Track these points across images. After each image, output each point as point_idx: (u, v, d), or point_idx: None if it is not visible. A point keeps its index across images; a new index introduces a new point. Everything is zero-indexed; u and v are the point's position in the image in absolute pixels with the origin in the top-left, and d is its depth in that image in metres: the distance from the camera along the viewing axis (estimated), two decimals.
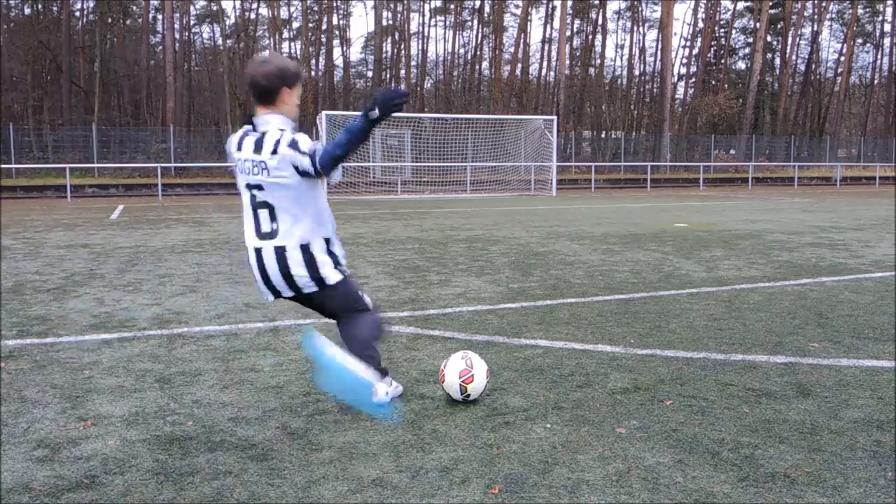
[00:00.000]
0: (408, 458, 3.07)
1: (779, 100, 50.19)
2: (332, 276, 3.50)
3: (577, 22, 53.42)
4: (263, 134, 3.33)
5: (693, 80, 52.63)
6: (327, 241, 3.50)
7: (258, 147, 3.32)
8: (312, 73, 43.92)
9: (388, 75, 49.59)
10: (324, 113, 23.67)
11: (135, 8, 45.86)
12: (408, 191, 27.28)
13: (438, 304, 6.24)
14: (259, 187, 3.35)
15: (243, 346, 4.88)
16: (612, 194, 27.00)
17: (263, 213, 3.39)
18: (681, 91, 54.22)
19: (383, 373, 3.61)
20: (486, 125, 29.44)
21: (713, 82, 53.51)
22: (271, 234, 3.38)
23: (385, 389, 3.18)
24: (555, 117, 27.47)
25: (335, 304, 3.62)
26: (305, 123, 37.96)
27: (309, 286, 3.46)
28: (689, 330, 5.27)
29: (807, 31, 53.70)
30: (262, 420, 3.52)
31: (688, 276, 7.60)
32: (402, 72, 48.84)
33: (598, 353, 4.66)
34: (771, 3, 47.18)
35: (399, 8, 47.74)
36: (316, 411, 3.63)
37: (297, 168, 3.26)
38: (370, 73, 51.68)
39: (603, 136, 48.51)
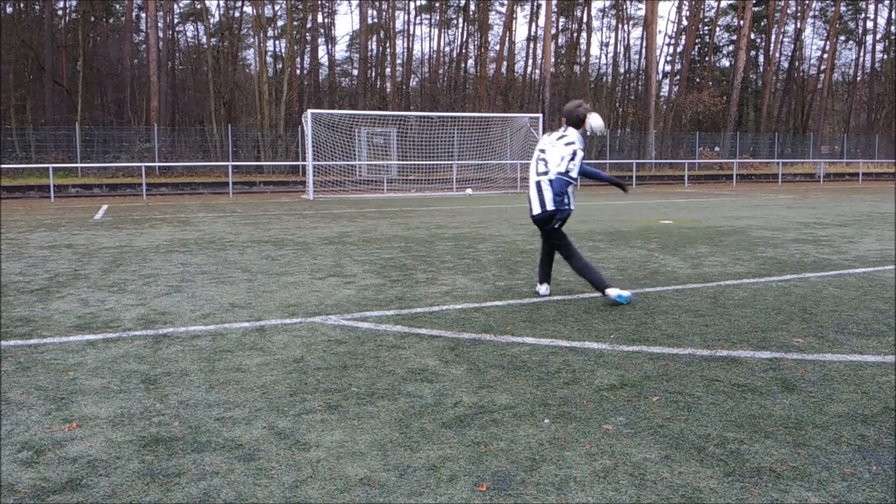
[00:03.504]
0: (395, 457, 3.07)
1: (763, 97, 50.50)
2: None
3: (562, 20, 53.60)
4: None
5: (678, 77, 52.87)
6: None
7: None
8: (297, 71, 43.78)
9: (373, 73, 49.54)
10: (309, 111, 23.60)
11: (118, 6, 45.57)
12: (394, 189, 27.26)
13: (425, 302, 6.24)
14: None
15: (229, 345, 4.86)
16: (597, 191, 27.08)
17: None
18: (665, 89, 54.49)
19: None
20: (471, 123, 29.45)
21: (697, 80, 53.81)
22: None
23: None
24: (540, 115, 27.50)
25: None
26: (291, 122, 37.88)
27: None
28: (674, 326, 5.29)
29: (790, 28, 54.12)
30: (249, 420, 3.51)
31: (673, 273, 7.63)
32: (388, 70, 48.80)
33: (584, 350, 4.67)
34: (754, 1, 47.44)
35: (384, 6, 47.68)
36: (303, 411, 3.62)
37: None
38: (356, 72, 51.61)
39: (588, 133, 48.59)
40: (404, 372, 4.25)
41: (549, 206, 6.14)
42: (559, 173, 6.10)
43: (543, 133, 6.17)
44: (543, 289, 6.53)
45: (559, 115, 6.07)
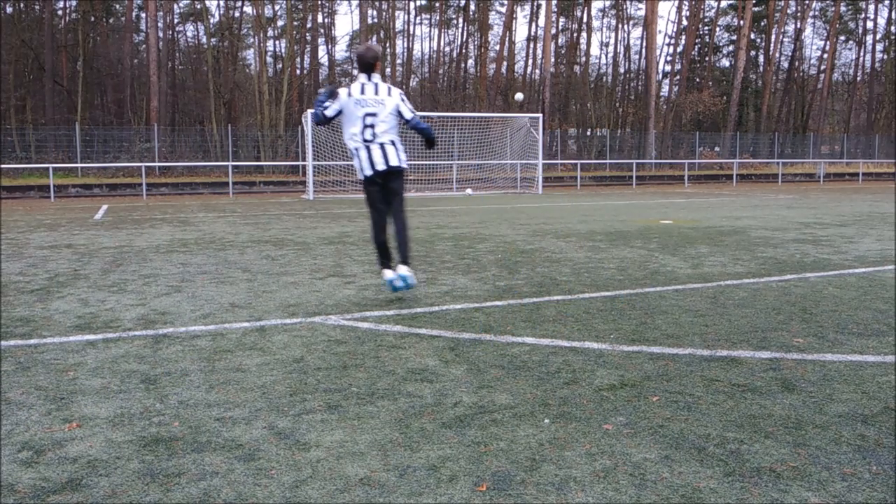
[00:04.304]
0: (395, 457, 3.07)
1: (763, 97, 50.50)
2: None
3: (562, 20, 53.57)
4: None
5: (678, 77, 52.87)
6: None
7: None
8: (297, 71, 43.77)
9: None
10: (309, 111, 23.58)
11: (118, 6, 45.57)
12: None
13: (425, 302, 6.24)
14: None
15: (229, 345, 4.86)
16: (597, 191, 27.08)
17: None
18: (665, 89, 54.48)
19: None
20: (471, 123, 29.45)
21: (697, 80, 53.81)
22: None
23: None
24: (540, 115, 27.52)
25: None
26: (291, 122, 37.87)
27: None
28: (674, 326, 5.29)
29: (790, 28, 54.11)
30: (249, 420, 3.51)
31: (673, 273, 7.63)
32: (388, 70, 48.78)
33: (584, 350, 4.67)
34: (754, 1, 47.45)
35: (384, 6, 47.68)
36: (303, 411, 3.62)
37: None
38: (355, 72, 51.57)
39: (588, 133, 48.67)
40: (404, 372, 4.24)
41: (395, 163, 6.08)
42: (413, 119, 6.08)
43: (371, 91, 6.04)
44: (391, 274, 6.24)
45: (358, 64, 6.14)
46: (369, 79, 6.06)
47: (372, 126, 6.00)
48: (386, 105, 6.02)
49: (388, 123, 6.04)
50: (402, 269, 6.14)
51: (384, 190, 6.21)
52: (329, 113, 6.10)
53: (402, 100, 6.10)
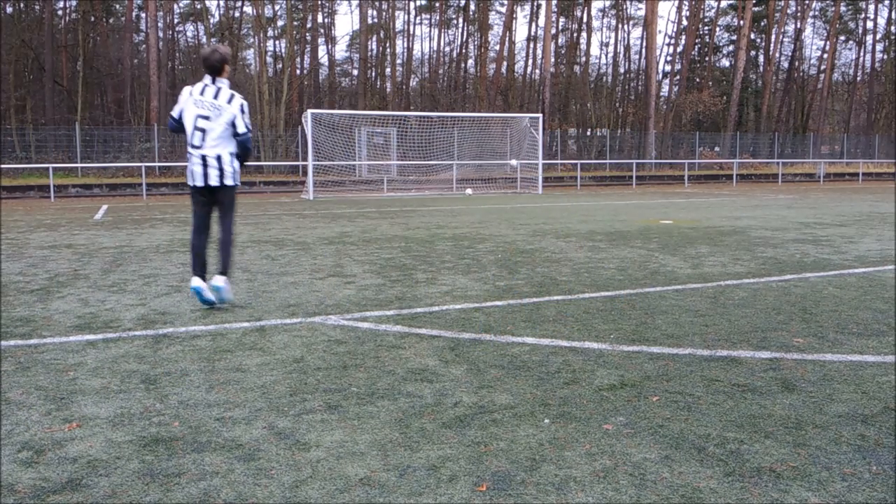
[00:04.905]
0: (395, 457, 3.07)
1: (763, 97, 50.49)
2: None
3: (562, 20, 53.59)
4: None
5: (678, 77, 52.87)
6: None
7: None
8: (297, 71, 43.77)
9: (373, 73, 49.54)
10: (309, 111, 23.60)
11: (118, 6, 45.58)
12: (394, 189, 27.26)
13: (425, 302, 6.24)
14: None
15: (229, 345, 4.86)
16: (597, 191, 27.08)
17: None
18: (665, 89, 54.49)
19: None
20: (471, 123, 29.46)
21: (697, 80, 53.81)
22: None
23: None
24: (540, 115, 27.51)
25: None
26: (291, 122, 37.86)
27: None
28: (674, 326, 5.29)
29: (790, 28, 54.11)
30: (249, 420, 3.51)
31: (673, 273, 7.63)
32: (388, 70, 48.79)
33: (584, 350, 4.67)
34: (754, 1, 47.45)
35: (384, 6, 47.67)
36: (303, 411, 3.62)
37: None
38: (356, 72, 51.62)
39: (588, 133, 48.66)
40: (404, 372, 4.24)
41: (214, 182, 5.88)
42: (244, 135, 5.86)
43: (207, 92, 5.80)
44: (200, 283, 5.92)
45: (204, 67, 5.87)
46: (213, 82, 5.85)
47: (203, 131, 5.79)
48: (222, 113, 5.78)
49: (220, 132, 5.80)
50: (218, 280, 5.89)
51: (212, 202, 6.05)
52: (174, 113, 5.94)
53: (242, 111, 5.84)
